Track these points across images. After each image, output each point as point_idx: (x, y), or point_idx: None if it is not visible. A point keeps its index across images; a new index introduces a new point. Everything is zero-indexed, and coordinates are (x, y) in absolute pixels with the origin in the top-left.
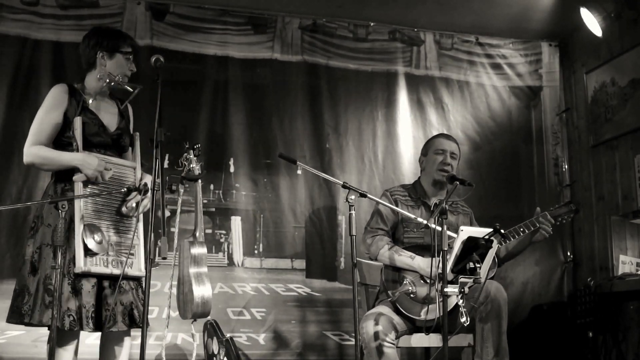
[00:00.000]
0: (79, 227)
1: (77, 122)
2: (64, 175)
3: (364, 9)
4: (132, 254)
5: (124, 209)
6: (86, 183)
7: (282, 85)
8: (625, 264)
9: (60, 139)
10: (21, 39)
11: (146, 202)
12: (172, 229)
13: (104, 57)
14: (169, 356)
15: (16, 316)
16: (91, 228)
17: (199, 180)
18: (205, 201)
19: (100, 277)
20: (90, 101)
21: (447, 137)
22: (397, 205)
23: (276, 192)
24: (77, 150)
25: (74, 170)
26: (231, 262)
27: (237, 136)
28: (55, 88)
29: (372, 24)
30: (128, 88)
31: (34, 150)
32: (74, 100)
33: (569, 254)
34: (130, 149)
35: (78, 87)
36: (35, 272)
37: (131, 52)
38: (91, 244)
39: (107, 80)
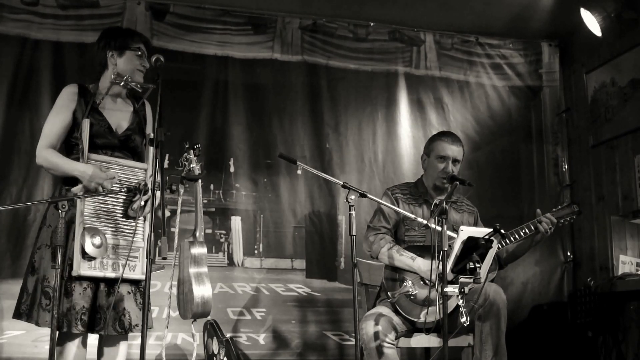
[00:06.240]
0: (78, 231)
1: (85, 124)
2: (68, 177)
3: (364, 9)
4: (136, 257)
5: (130, 212)
6: (87, 192)
7: (282, 85)
8: (625, 264)
9: (69, 140)
10: (21, 39)
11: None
12: (172, 229)
13: (114, 55)
14: (169, 356)
15: (17, 313)
16: (91, 231)
17: (199, 180)
18: (205, 201)
19: (97, 280)
20: (99, 101)
21: (452, 140)
22: (398, 204)
23: (276, 192)
24: (82, 153)
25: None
26: (231, 262)
27: (237, 136)
28: (65, 88)
29: (372, 24)
30: (137, 88)
31: (44, 154)
32: (83, 100)
33: (569, 254)
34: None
35: (90, 87)
36: (34, 272)
37: (140, 48)
38: (89, 248)
39: (116, 81)
